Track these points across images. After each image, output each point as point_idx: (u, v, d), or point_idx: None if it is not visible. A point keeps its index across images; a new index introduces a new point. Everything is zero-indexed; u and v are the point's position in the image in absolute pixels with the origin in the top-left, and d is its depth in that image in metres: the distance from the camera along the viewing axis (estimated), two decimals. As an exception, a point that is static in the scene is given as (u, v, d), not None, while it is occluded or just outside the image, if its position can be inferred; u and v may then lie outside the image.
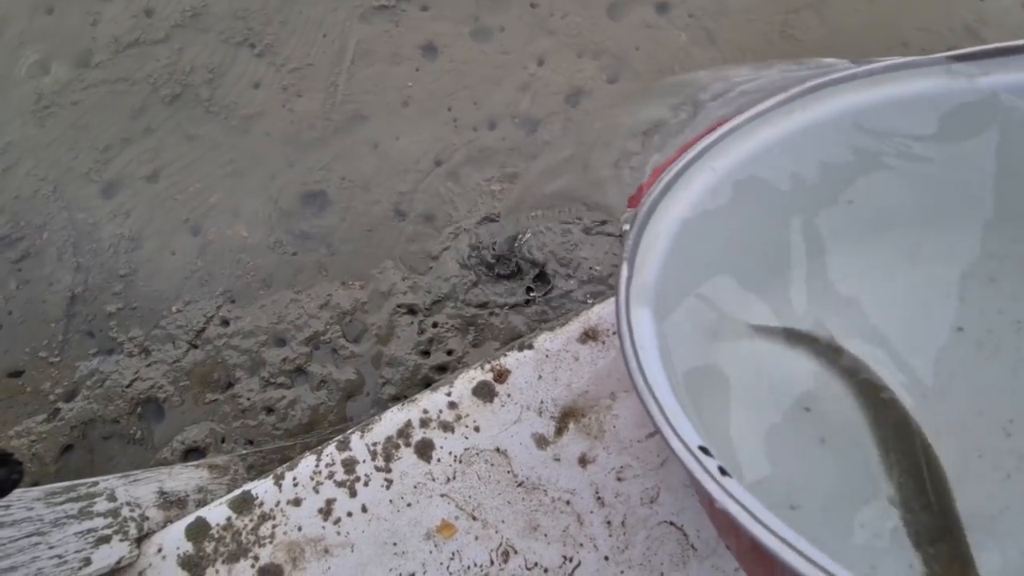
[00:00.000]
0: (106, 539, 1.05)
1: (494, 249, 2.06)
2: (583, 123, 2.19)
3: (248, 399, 1.94)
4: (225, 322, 2.03)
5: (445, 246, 2.07)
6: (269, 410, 1.93)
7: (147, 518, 1.12)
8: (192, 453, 1.91)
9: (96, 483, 1.13)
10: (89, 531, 1.04)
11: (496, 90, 2.22)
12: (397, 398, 1.93)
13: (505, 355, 1.17)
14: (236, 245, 2.10)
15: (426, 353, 1.97)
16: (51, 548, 0.96)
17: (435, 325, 2.00)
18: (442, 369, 1.95)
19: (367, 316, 2.02)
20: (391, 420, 1.17)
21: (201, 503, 1.19)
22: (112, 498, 1.10)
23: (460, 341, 1.98)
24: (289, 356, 1.97)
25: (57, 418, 1.94)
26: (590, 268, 2.02)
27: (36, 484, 1.88)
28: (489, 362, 1.18)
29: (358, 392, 1.95)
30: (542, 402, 1.13)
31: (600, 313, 1.16)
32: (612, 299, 1.04)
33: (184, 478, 1.19)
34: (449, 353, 1.96)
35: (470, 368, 1.19)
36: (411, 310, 2.02)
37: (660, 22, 2.28)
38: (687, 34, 2.26)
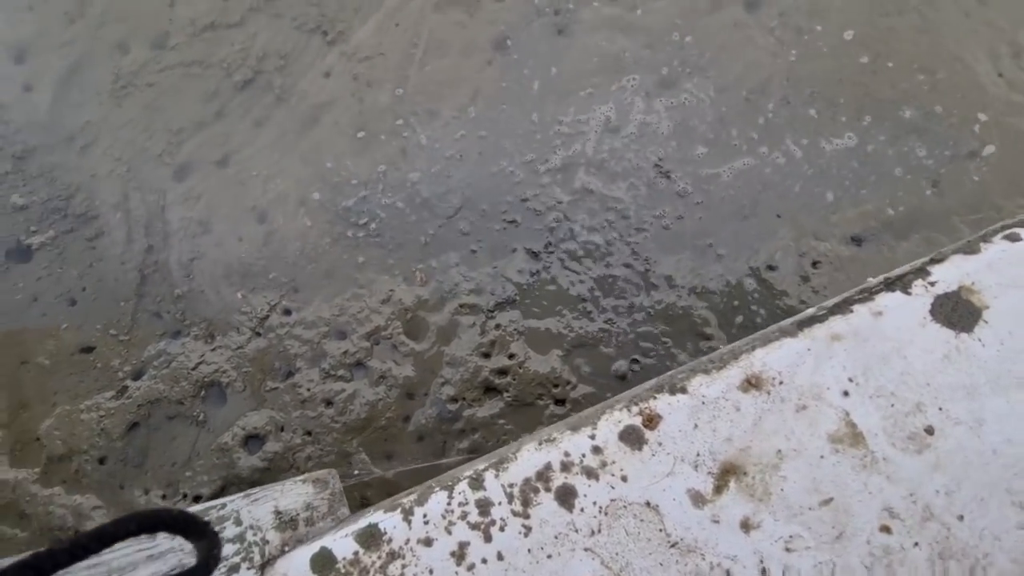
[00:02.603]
0: (235, 568, 1.03)
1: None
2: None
3: (308, 390, 1.94)
4: (287, 311, 2.03)
5: (513, 248, 2.02)
6: (328, 402, 1.93)
7: (267, 542, 1.08)
8: (252, 440, 1.93)
9: (224, 505, 1.10)
10: (223, 560, 1.03)
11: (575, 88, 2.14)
12: (455, 399, 1.90)
13: (655, 397, 1.05)
14: (301, 234, 2.09)
15: (487, 355, 1.93)
16: None
17: (498, 327, 1.95)
18: (503, 373, 1.91)
19: (429, 314, 1.99)
20: (528, 460, 1.04)
21: (309, 521, 1.13)
22: (238, 521, 1.07)
23: (522, 345, 1.93)
24: (350, 349, 1.97)
25: (125, 395, 1.98)
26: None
27: (103, 459, 1.94)
28: (637, 404, 1.06)
29: (417, 391, 1.93)
30: (698, 454, 1.00)
31: (765, 359, 1.02)
32: (780, 343, 0.99)
33: (294, 495, 1.15)
34: (511, 357, 1.92)
35: (614, 409, 1.07)
36: (474, 310, 1.98)
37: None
38: None
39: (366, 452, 1.89)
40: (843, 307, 1.00)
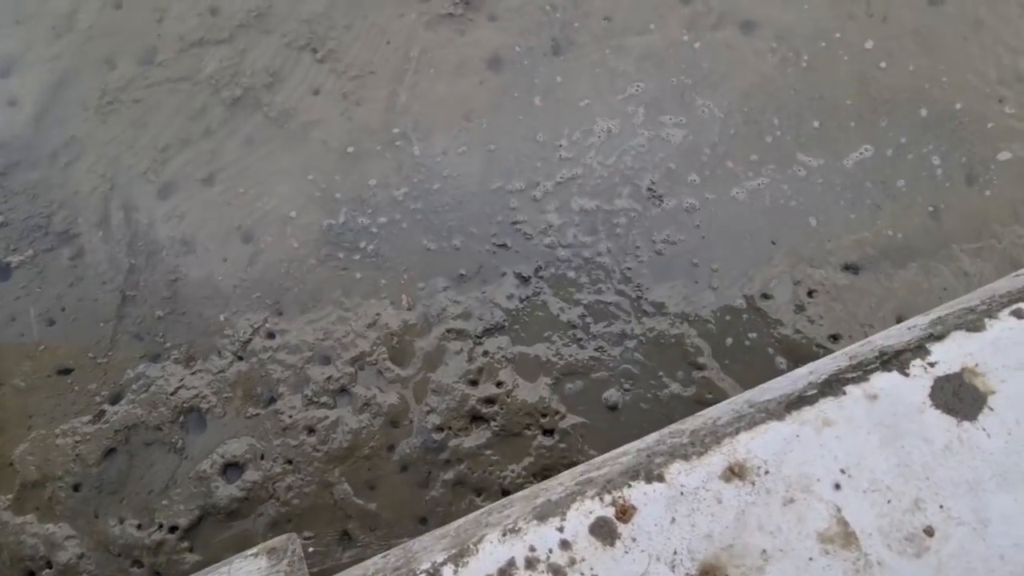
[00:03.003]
0: None
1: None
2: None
3: (290, 416, 1.89)
4: (271, 335, 1.98)
5: (502, 272, 1.97)
6: (310, 430, 1.88)
7: None
8: (231, 468, 1.87)
9: None
10: None
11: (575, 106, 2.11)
12: (441, 428, 1.85)
13: (630, 485, 0.96)
14: (287, 255, 2.05)
15: (474, 383, 1.88)
16: None
17: (485, 354, 1.91)
18: (490, 401, 1.86)
19: (415, 339, 1.94)
20: (490, 554, 0.95)
21: None
22: None
23: (510, 373, 1.88)
24: (334, 375, 1.91)
25: (102, 420, 1.93)
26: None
27: (78, 486, 1.88)
28: (610, 492, 0.96)
29: (402, 418, 1.87)
30: (675, 552, 0.91)
31: (749, 445, 0.93)
32: (765, 427, 0.91)
33: (244, 573, 1.06)
34: (499, 385, 1.87)
35: (585, 496, 0.97)
36: (461, 335, 1.93)
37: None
38: None
39: (348, 482, 1.83)
40: (835, 387, 0.91)
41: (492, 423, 1.84)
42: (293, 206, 2.09)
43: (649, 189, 2.02)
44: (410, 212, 2.06)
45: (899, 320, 1.87)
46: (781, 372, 1.83)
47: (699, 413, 1.04)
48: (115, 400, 1.95)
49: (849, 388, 0.90)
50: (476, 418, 1.86)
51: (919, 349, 0.90)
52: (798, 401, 0.91)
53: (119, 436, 1.91)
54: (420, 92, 2.17)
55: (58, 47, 2.29)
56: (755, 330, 1.88)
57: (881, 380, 0.91)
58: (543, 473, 1.81)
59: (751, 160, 2.02)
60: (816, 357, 1.84)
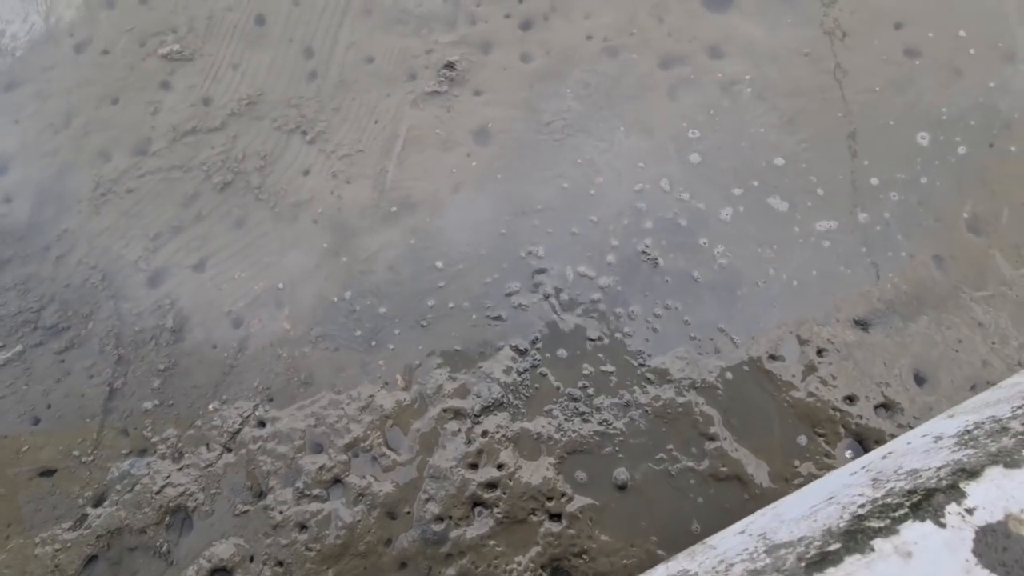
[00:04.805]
0: None
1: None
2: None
3: (281, 512, 1.78)
4: (261, 423, 1.90)
5: (498, 346, 1.91)
6: (302, 526, 1.76)
7: None
8: (219, 573, 1.75)
9: None
10: None
11: (544, 175, 2.11)
12: (440, 518, 1.74)
13: None
14: (278, 338, 2.00)
15: (474, 466, 1.78)
16: None
17: (485, 434, 1.81)
18: (492, 486, 1.75)
19: (411, 420, 1.86)
20: None
21: None
22: None
23: (511, 453, 1.78)
24: (326, 464, 1.82)
25: (84, 525, 1.82)
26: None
27: (55, 602, 1.75)
28: None
29: (399, 509, 1.76)
30: None
31: None
32: None
33: None
34: (500, 467, 1.77)
35: None
36: (458, 415, 1.85)
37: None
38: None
39: (343, 584, 1.70)
40: (861, 540, 0.76)
41: (495, 509, 1.73)
42: (284, 288, 2.06)
43: (643, 252, 1.98)
44: (402, 288, 2.02)
45: (916, 378, 1.78)
46: (799, 444, 1.73)
47: (709, 542, 0.93)
48: (98, 502, 1.85)
49: (878, 543, 0.74)
50: (477, 504, 1.74)
51: (952, 490, 0.75)
52: (820, 561, 0.75)
53: (101, 542, 1.80)
54: (408, 167, 2.19)
55: (55, 143, 2.34)
56: (766, 394, 1.79)
57: (914, 532, 0.75)
58: (552, 564, 1.68)
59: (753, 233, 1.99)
60: (833, 421, 1.74)
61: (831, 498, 0.84)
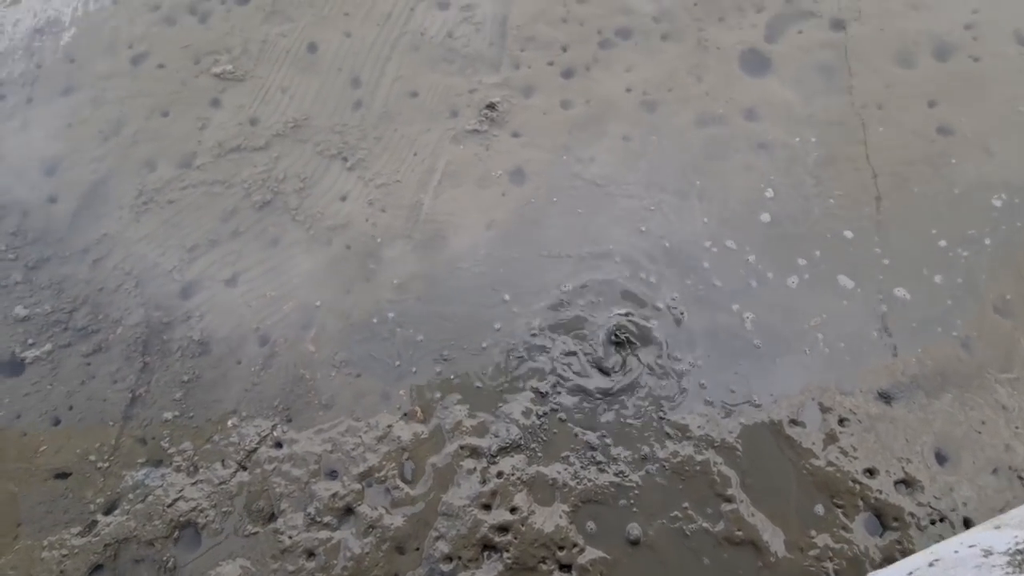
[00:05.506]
0: None
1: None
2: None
3: (290, 537, 1.78)
4: (278, 444, 1.91)
5: (520, 387, 1.92)
6: (310, 554, 1.76)
7: None
8: (222, 594, 1.74)
9: None
10: None
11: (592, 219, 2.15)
12: (449, 558, 1.72)
13: None
14: (302, 359, 2.02)
15: (487, 507, 1.78)
16: None
17: (500, 475, 1.81)
18: (504, 529, 1.74)
19: (427, 454, 1.86)
20: None
21: None
22: None
23: (525, 497, 1.78)
24: (339, 492, 1.82)
25: (93, 532, 1.82)
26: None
27: (57, 609, 1.74)
28: None
29: (408, 545, 1.75)
30: None
31: None
32: None
33: None
34: (513, 511, 1.76)
35: None
36: (475, 453, 1.85)
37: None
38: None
39: (346, 617, 1.69)
40: None
41: (505, 554, 1.72)
42: (313, 309, 2.09)
43: (669, 307, 2.00)
44: (428, 321, 2.04)
45: (938, 456, 1.77)
46: (816, 513, 1.71)
47: None
48: (109, 510, 1.86)
49: None
50: (488, 547, 1.73)
51: None
52: None
53: (108, 551, 1.80)
54: (443, 201, 2.23)
55: (103, 149, 2.42)
56: (785, 459, 1.78)
57: None
58: (559, 616, 1.65)
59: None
60: (852, 493, 1.73)
61: None
